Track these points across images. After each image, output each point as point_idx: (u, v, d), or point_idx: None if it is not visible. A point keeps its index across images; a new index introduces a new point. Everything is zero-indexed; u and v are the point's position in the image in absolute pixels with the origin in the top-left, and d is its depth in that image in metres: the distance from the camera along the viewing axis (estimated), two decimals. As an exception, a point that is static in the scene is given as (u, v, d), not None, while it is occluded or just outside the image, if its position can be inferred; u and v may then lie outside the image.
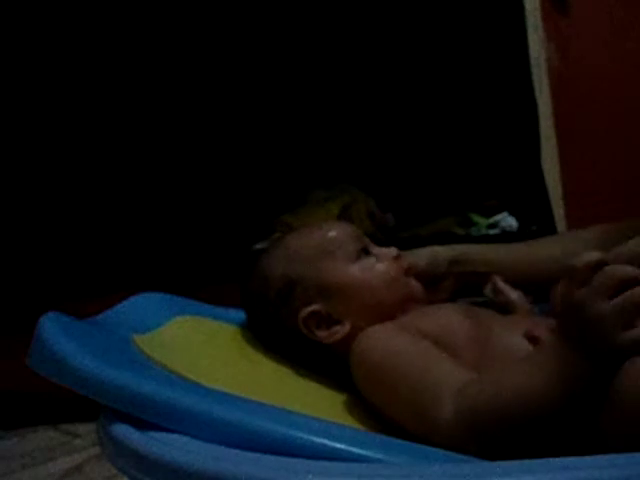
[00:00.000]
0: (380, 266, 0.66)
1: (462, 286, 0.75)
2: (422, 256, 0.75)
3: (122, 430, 0.46)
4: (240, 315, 0.73)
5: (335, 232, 0.68)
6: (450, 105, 1.96)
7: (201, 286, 1.16)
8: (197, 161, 2.05)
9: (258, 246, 1.72)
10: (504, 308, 0.70)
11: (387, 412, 0.55)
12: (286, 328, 0.65)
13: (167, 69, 2.02)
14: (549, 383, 0.46)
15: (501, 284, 0.72)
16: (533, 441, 0.47)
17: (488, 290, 0.73)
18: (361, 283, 0.64)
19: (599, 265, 0.45)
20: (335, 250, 0.66)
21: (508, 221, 1.77)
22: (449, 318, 0.62)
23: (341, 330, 0.63)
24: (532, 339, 0.54)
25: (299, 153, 2.02)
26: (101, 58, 1.95)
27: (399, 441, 0.47)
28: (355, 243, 0.67)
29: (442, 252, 0.76)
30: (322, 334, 0.63)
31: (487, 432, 0.47)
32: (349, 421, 0.56)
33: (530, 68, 1.28)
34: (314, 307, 0.63)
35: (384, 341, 0.58)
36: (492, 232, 1.77)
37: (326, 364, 0.65)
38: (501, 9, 1.43)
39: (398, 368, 0.55)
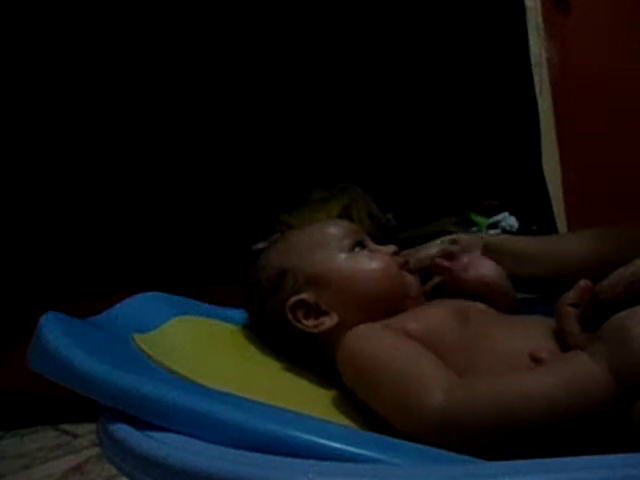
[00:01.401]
0: (373, 259, 0.65)
1: None
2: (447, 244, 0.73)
3: (122, 430, 0.46)
4: (240, 315, 0.73)
5: (332, 227, 0.68)
6: (450, 105, 1.96)
7: (201, 286, 1.16)
8: (197, 161, 2.05)
9: (258, 246, 1.73)
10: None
11: (375, 409, 0.55)
12: (276, 318, 0.65)
13: (167, 69, 2.02)
14: (572, 394, 0.45)
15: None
16: (535, 447, 0.46)
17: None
18: (350, 274, 0.64)
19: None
20: (329, 242, 0.66)
21: (509, 221, 1.77)
22: (439, 318, 0.61)
23: (328, 322, 0.62)
24: (536, 360, 0.53)
25: (299, 153, 2.03)
26: (101, 58, 1.95)
27: (400, 441, 0.47)
28: (351, 237, 0.66)
29: (469, 240, 0.74)
30: (309, 324, 0.63)
31: (478, 429, 0.46)
32: (350, 421, 0.56)
33: (531, 67, 1.28)
34: (302, 296, 0.63)
35: (370, 340, 0.58)
36: (492, 232, 1.76)
37: (314, 357, 0.64)
38: (502, 8, 1.43)
39: (384, 365, 0.54)
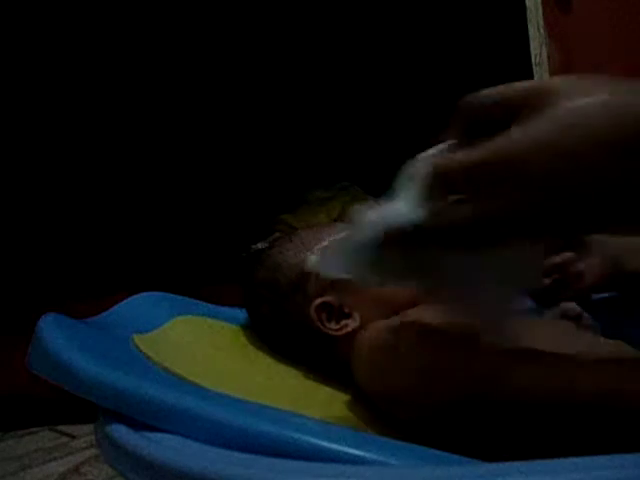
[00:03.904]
0: None
1: None
2: None
3: (120, 431, 0.46)
4: (240, 315, 0.73)
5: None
6: (451, 104, 1.96)
7: (201, 286, 1.16)
8: (197, 161, 2.05)
9: (258, 246, 1.72)
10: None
11: (393, 385, 0.55)
12: (293, 319, 0.65)
13: (167, 69, 2.02)
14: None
15: None
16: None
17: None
18: None
19: None
20: None
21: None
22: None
23: (351, 324, 0.63)
24: None
25: (299, 153, 2.02)
26: (101, 58, 1.95)
27: (398, 442, 0.47)
28: None
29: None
30: (332, 326, 0.63)
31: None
32: (350, 423, 0.55)
33: (531, 67, 1.28)
34: (327, 298, 0.63)
35: (389, 323, 0.59)
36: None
37: (329, 361, 0.64)
38: (502, 7, 1.43)
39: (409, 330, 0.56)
